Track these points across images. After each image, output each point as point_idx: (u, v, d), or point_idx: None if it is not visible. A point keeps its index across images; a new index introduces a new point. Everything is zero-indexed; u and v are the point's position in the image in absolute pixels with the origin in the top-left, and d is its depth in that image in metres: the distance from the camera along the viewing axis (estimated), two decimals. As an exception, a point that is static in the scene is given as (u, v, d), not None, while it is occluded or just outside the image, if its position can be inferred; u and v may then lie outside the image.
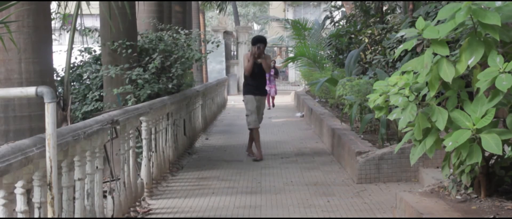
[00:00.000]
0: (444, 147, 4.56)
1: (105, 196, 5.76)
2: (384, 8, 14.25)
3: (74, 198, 4.74)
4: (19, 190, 3.74)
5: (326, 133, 11.18)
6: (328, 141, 10.95)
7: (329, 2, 20.64)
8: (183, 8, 14.76)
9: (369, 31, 12.86)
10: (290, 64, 23.01)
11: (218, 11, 26.80)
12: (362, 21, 13.92)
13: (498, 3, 4.33)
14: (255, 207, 6.75)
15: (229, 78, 27.33)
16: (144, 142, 7.18)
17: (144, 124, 7.15)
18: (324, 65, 19.49)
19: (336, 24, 16.87)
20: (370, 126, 9.75)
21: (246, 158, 10.04)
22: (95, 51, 9.79)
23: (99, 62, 9.39)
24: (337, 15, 18.67)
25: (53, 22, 7.60)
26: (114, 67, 8.47)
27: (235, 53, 30.86)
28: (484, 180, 5.01)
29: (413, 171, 7.67)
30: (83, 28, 9.26)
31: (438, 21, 4.92)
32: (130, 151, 6.46)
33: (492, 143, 4.18)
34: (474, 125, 4.33)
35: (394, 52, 9.56)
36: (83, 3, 6.69)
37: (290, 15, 36.63)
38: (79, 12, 6.65)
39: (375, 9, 14.15)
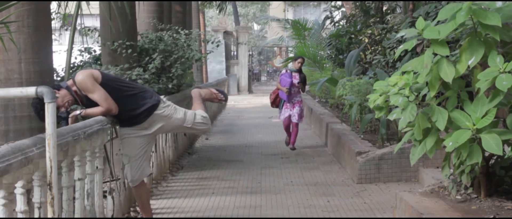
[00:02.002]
0: (444, 147, 4.56)
1: (105, 196, 5.75)
2: (384, 8, 14.25)
3: (74, 198, 4.74)
4: (19, 190, 3.74)
5: (326, 133, 11.18)
6: (328, 141, 10.95)
7: (329, 2, 20.64)
8: (183, 8, 14.76)
9: (369, 31, 12.86)
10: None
11: (218, 11, 26.80)
12: (362, 21, 13.92)
13: (499, 4, 4.33)
14: (255, 207, 6.75)
15: (229, 78, 27.35)
16: (144, 142, 7.16)
17: (144, 124, 7.13)
18: (324, 65, 19.49)
19: (336, 24, 16.89)
20: (370, 126, 9.75)
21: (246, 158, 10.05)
22: (95, 51, 9.79)
23: (99, 62, 9.38)
24: (337, 15, 18.68)
25: (53, 22, 7.59)
26: (114, 67, 8.47)
27: (235, 53, 30.84)
28: (484, 180, 5.00)
29: (413, 171, 7.67)
30: (83, 28, 9.25)
31: (438, 21, 4.92)
32: (130, 151, 6.45)
33: (492, 143, 4.18)
34: (474, 125, 4.33)
35: (394, 52, 9.57)
36: (83, 3, 6.69)
37: (290, 15, 36.65)
38: (79, 12, 6.65)
39: (375, 9, 14.16)
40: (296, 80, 10.71)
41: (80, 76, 5.12)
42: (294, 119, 10.74)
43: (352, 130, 9.78)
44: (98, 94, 5.10)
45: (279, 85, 10.80)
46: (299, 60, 10.90)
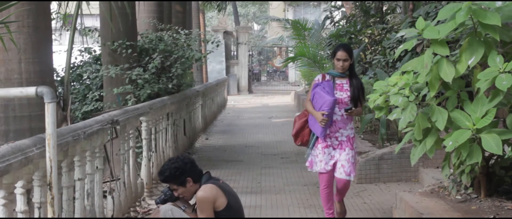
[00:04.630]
0: (444, 147, 4.56)
1: (105, 196, 5.76)
2: (384, 8, 14.25)
3: (74, 198, 4.74)
4: (19, 190, 3.74)
5: (326, 133, 11.16)
6: (328, 141, 10.93)
7: (329, 2, 20.63)
8: (183, 8, 14.76)
9: (369, 31, 12.86)
10: (290, 64, 23.01)
11: (218, 11, 26.80)
12: (362, 21, 13.92)
13: (498, 3, 4.33)
14: (255, 207, 6.75)
15: (229, 78, 27.33)
16: (144, 142, 7.18)
17: (144, 124, 7.15)
18: (324, 65, 19.47)
19: (336, 24, 16.88)
20: (370, 126, 9.75)
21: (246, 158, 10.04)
22: (95, 51, 9.79)
23: (99, 62, 9.39)
24: (337, 15, 18.66)
25: (53, 22, 7.60)
26: (114, 67, 8.48)
27: (235, 53, 30.83)
28: (484, 180, 5.01)
29: (413, 171, 7.67)
30: (83, 28, 9.26)
31: (438, 21, 4.92)
32: (130, 151, 6.46)
33: (492, 143, 4.18)
34: (474, 125, 4.33)
35: (394, 52, 9.57)
36: (83, 3, 6.69)
37: (290, 15, 36.64)
38: (79, 12, 6.65)
39: (375, 9, 14.16)
40: (344, 94, 5.62)
41: (201, 193, 4.69)
42: (341, 173, 5.55)
43: (352, 130, 9.78)
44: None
45: (309, 105, 5.65)
46: (340, 54, 5.57)
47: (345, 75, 5.65)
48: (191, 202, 4.93)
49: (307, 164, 5.75)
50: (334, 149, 5.57)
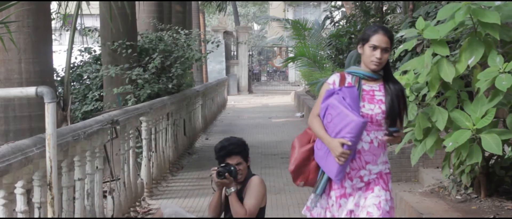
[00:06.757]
0: (444, 147, 4.56)
1: (105, 196, 5.76)
2: (384, 8, 14.25)
3: (74, 198, 4.75)
4: (19, 190, 3.74)
5: (326, 133, 11.14)
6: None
7: (329, 2, 20.64)
8: (183, 8, 14.76)
9: (369, 31, 12.84)
10: (290, 64, 23.01)
11: (218, 12, 26.81)
12: (362, 21, 13.92)
13: (497, 3, 4.34)
14: (255, 207, 6.74)
15: (229, 78, 27.34)
16: (144, 142, 7.19)
17: (144, 124, 7.15)
18: (324, 65, 19.48)
19: (336, 24, 16.88)
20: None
21: None
22: (95, 51, 9.79)
23: (99, 62, 9.39)
24: (337, 15, 18.66)
25: (53, 22, 7.60)
26: (114, 67, 8.48)
27: (235, 53, 30.84)
28: (484, 180, 5.01)
29: (413, 171, 7.66)
30: (83, 28, 9.27)
31: (438, 21, 4.93)
32: (130, 151, 6.46)
33: (492, 143, 4.18)
34: (474, 125, 4.33)
35: (394, 52, 9.56)
36: (83, 3, 6.69)
37: (290, 15, 36.65)
38: (79, 12, 6.65)
39: (375, 9, 14.15)
40: (376, 107, 3.48)
41: (261, 179, 4.67)
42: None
43: (352, 130, 9.76)
44: (253, 203, 4.56)
45: (318, 126, 3.50)
46: (379, 38, 3.37)
47: (378, 76, 3.50)
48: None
49: (304, 210, 3.75)
50: (355, 197, 3.52)
